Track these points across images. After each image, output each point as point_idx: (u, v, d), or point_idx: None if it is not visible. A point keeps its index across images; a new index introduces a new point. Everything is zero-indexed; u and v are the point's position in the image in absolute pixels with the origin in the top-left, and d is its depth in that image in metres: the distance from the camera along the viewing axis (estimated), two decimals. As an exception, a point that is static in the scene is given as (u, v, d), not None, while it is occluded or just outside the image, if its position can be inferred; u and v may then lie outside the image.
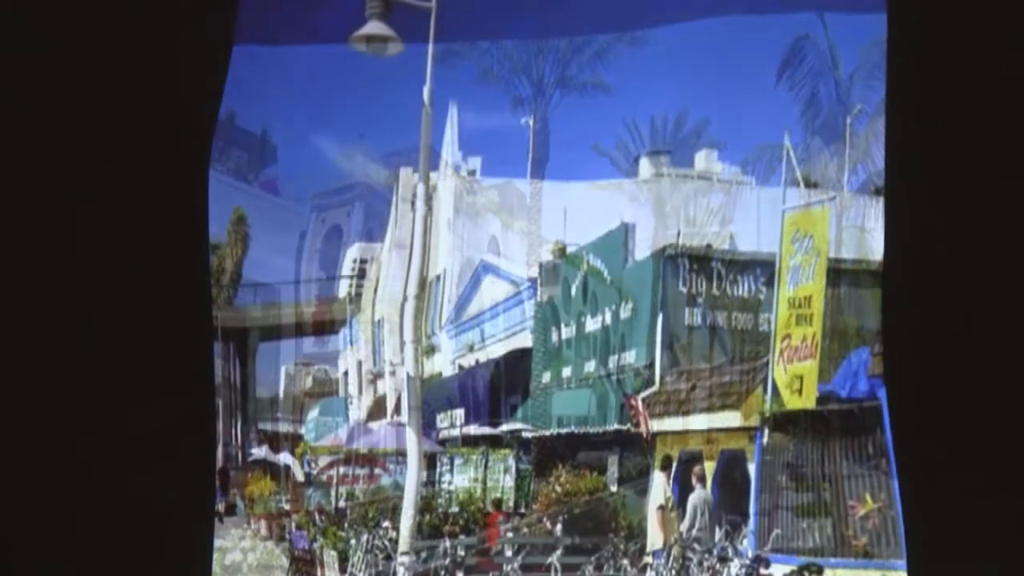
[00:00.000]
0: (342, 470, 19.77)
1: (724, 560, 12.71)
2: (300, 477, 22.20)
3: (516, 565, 15.92)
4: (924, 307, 0.75)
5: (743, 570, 12.38)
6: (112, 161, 0.67)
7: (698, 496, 14.51)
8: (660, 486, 15.65)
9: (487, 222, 31.70)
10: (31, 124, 0.65)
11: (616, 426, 17.19)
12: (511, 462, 21.04)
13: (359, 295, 50.25)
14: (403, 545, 12.00)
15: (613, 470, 18.54)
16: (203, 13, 0.72)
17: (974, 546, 0.73)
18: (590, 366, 19.88)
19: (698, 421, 15.29)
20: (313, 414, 47.96)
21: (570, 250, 22.89)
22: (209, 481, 0.76)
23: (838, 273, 15.31)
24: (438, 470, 20.43)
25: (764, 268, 17.03)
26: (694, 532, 14.08)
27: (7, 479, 0.64)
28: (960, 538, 0.74)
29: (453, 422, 24.56)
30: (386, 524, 16.76)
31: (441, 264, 32.80)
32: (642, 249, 18.91)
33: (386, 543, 15.49)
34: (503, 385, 22.79)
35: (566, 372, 21.06)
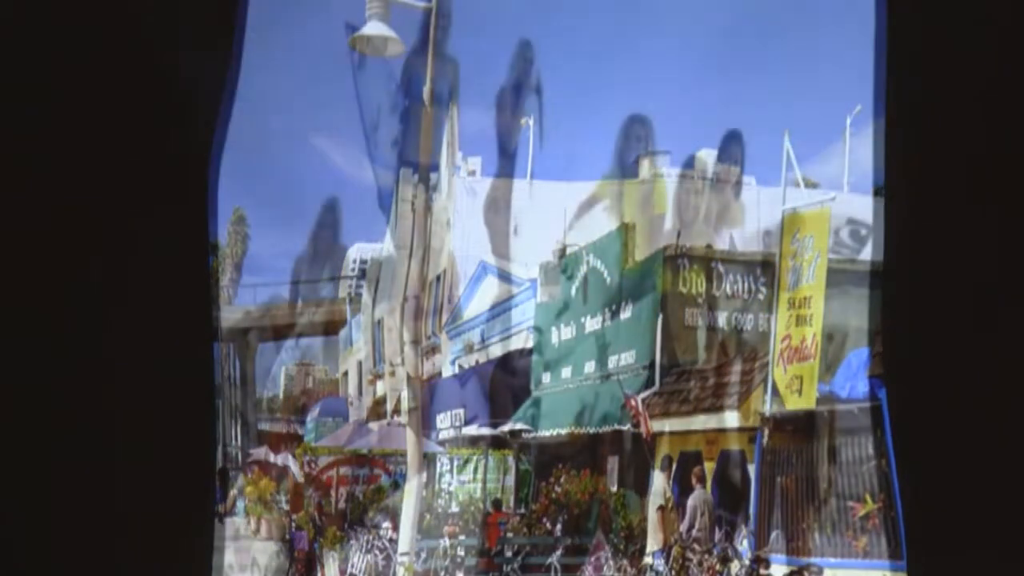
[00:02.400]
0: (342, 470, 19.77)
1: (724, 560, 12.71)
2: (300, 477, 22.18)
3: (516, 565, 15.92)
4: (924, 307, 0.75)
5: (743, 570, 12.38)
6: (114, 162, 0.67)
7: (698, 496, 14.50)
8: (660, 486, 15.64)
9: (488, 222, 31.67)
10: (35, 126, 0.65)
11: (616, 426, 17.19)
12: (511, 462, 21.04)
13: (359, 295, 50.24)
14: (403, 545, 12.00)
15: (613, 470, 18.53)
16: (205, 15, 0.73)
17: (974, 545, 0.73)
18: (590, 366, 19.86)
19: (698, 421, 15.29)
20: (313, 414, 47.95)
21: (570, 250, 22.88)
22: (209, 481, 0.76)
23: (838, 273, 15.30)
24: (438, 470, 20.42)
25: (764, 268, 17.03)
26: (694, 532, 14.07)
27: (8, 479, 0.64)
28: (960, 537, 0.75)
29: (453, 422, 24.55)
30: (386, 524, 16.75)
31: (441, 264, 32.78)
32: (642, 249, 18.90)
33: (386, 543, 15.49)
34: (503, 385, 22.77)
35: (566, 372, 21.05)
